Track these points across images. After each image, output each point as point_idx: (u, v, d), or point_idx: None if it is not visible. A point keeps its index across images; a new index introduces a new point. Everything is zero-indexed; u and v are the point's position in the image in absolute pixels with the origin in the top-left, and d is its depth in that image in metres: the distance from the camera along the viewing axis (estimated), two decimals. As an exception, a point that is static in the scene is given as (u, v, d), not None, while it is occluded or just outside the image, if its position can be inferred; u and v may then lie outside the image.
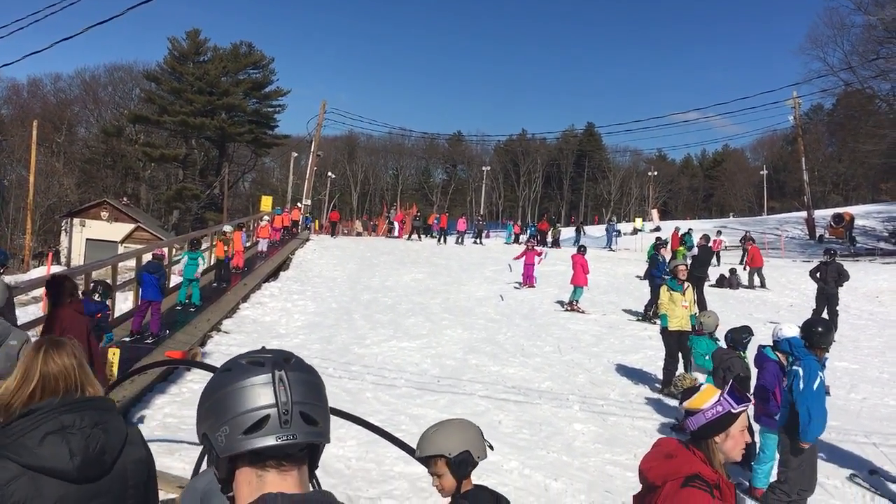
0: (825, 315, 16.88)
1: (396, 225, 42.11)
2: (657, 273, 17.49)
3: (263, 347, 1.60)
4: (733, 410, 2.83)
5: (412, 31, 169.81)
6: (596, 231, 56.89)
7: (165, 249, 17.17)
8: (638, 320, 17.25)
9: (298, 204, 43.78)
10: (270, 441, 1.35)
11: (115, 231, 50.52)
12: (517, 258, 22.12)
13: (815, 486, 6.54)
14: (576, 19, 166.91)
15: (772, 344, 7.42)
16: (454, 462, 3.03)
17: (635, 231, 50.95)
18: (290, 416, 1.36)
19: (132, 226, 51.76)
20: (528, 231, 44.17)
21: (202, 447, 1.54)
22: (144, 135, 70.77)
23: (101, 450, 2.17)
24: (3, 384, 2.35)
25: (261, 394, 1.37)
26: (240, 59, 69.27)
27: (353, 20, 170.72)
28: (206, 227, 41.01)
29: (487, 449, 3.15)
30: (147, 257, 14.86)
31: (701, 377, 8.90)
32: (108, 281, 13.21)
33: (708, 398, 2.88)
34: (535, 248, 22.75)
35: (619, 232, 40.50)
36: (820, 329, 6.44)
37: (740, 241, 29.47)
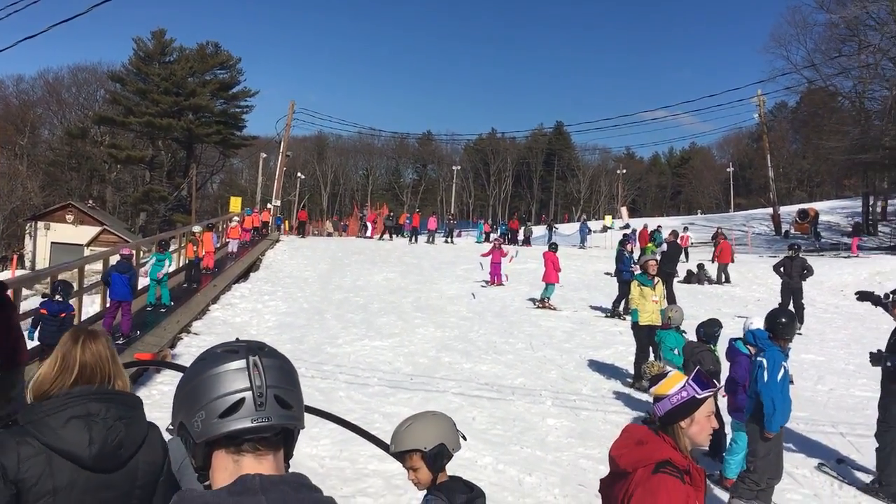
0: (790, 308, 17.16)
1: (369, 225, 41.88)
2: (623, 268, 17.67)
3: (237, 339, 1.60)
4: (698, 396, 2.85)
5: (380, 30, 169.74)
6: (567, 229, 57.29)
7: (130, 250, 16.91)
8: (606, 316, 17.36)
9: (268, 205, 43.49)
10: (246, 423, 1.36)
11: (80, 234, 49.82)
12: (485, 255, 22.14)
13: (782, 474, 6.64)
14: (545, 19, 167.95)
15: (742, 337, 7.54)
16: (429, 455, 3.02)
17: (605, 229, 51.33)
18: (265, 399, 1.38)
19: (98, 228, 51.07)
20: (499, 230, 44.34)
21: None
22: (110, 136, 69.73)
23: (119, 443, 2.20)
24: (38, 371, 2.37)
25: (236, 378, 1.39)
26: (206, 59, 68.49)
27: (321, 20, 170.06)
28: (174, 229, 40.63)
29: (461, 440, 3.15)
30: (115, 258, 14.66)
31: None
32: (75, 284, 13.05)
33: (674, 384, 2.91)
34: (502, 247, 22.73)
35: (590, 230, 40.77)
36: (783, 320, 6.52)
37: (712, 238, 29.77)
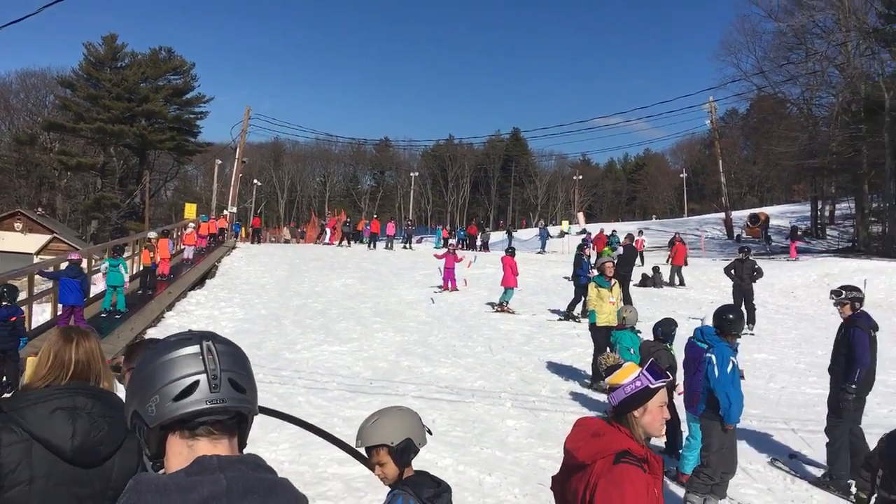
0: (742, 309, 17.51)
1: (328, 231, 41.45)
2: (581, 273, 17.85)
3: (190, 330, 1.60)
4: (651, 385, 2.89)
5: (336, 36, 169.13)
6: (525, 234, 57.73)
7: (79, 254, 16.61)
8: (560, 319, 17.50)
9: (225, 212, 42.98)
10: (201, 405, 1.37)
11: (29, 243, 48.66)
12: (439, 257, 22.08)
13: (736, 468, 6.77)
14: (500, 26, 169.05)
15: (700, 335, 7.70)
16: (396, 450, 3.02)
17: (562, 234, 51.82)
18: (220, 382, 1.39)
19: (48, 237, 49.96)
20: (457, 235, 44.46)
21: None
22: (60, 143, 68.40)
23: (100, 440, 2.21)
24: (27, 371, 2.46)
25: (190, 363, 1.40)
26: (159, 64, 67.62)
27: (276, 25, 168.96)
28: (126, 237, 39.95)
29: (427, 435, 3.15)
30: (64, 265, 14.44)
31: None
32: (24, 294, 12.80)
33: (628, 374, 2.96)
34: (457, 252, 22.49)
35: (549, 235, 41.13)
36: (730, 317, 6.67)
37: (669, 243, 30.18)
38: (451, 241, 42.97)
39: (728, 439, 6.54)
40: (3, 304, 9.78)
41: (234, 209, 44.32)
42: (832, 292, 8.04)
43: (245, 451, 1.51)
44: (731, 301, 18.62)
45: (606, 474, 2.81)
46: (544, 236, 40.07)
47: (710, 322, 7.53)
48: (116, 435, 2.27)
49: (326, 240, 40.41)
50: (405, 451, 3.02)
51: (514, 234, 48.60)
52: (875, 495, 2.95)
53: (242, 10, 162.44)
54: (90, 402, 2.25)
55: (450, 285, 21.20)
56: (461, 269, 21.65)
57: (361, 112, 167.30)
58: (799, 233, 40.54)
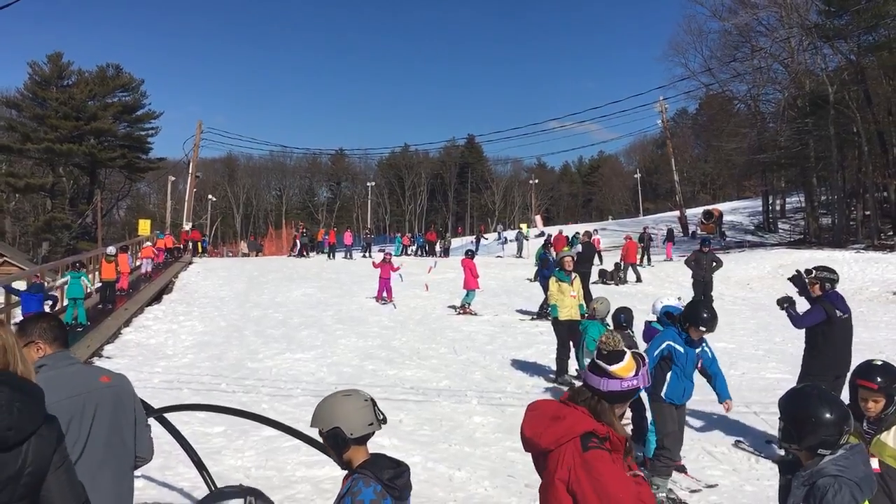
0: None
1: (298, 243, 39.97)
2: (548, 272, 17.87)
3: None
4: (642, 387, 2.95)
5: (286, 49, 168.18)
6: (490, 238, 58.20)
7: (40, 276, 16.37)
8: (532, 319, 17.54)
9: (185, 227, 42.27)
10: None
11: (-22, 267, 47.39)
12: (375, 266, 20.68)
13: (680, 449, 6.94)
14: (450, 33, 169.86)
15: (655, 317, 7.81)
16: (325, 437, 2.94)
17: (518, 238, 52.07)
18: None
19: (-3, 260, 48.69)
20: (416, 242, 44.39)
21: None
22: (7, 164, 66.86)
23: (7, 425, 2.18)
24: None
25: None
26: (107, 81, 66.42)
27: (225, 40, 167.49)
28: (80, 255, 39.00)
29: (375, 423, 2.97)
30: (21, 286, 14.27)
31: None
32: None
33: (630, 371, 2.90)
34: (392, 262, 20.83)
35: (526, 238, 41.24)
36: (706, 315, 6.56)
37: (639, 238, 30.71)
38: (410, 248, 43.07)
39: (676, 419, 6.70)
40: None
41: (189, 225, 43.71)
42: (804, 271, 8.19)
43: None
44: (689, 294, 18.97)
45: (581, 466, 2.78)
46: (520, 239, 40.16)
47: (663, 301, 7.76)
48: (28, 422, 2.25)
49: (295, 252, 38.95)
50: (333, 438, 2.91)
51: (483, 238, 49.41)
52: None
53: (191, 26, 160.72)
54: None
55: (384, 295, 20.03)
56: (392, 277, 20.86)
57: (315, 124, 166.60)
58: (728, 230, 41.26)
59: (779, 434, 3.05)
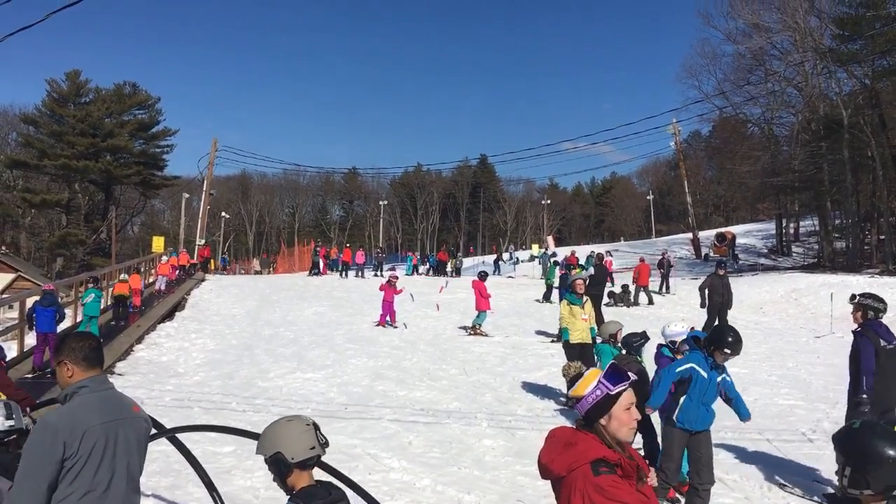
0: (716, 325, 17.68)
1: (322, 262, 39.70)
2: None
3: None
4: (611, 392, 2.90)
5: (303, 68, 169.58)
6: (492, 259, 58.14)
7: (53, 285, 16.51)
8: (553, 341, 17.27)
9: (202, 242, 42.46)
10: None
11: (-7, 281, 47.75)
12: (381, 289, 20.02)
13: (713, 478, 6.77)
14: (467, 53, 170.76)
15: (665, 340, 7.81)
16: (269, 463, 2.98)
17: (532, 258, 52.01)
18: None
19: (12, 275, 49.02)
20: (428, 262, 44.42)
21: None
22: (23, 180, 67.50)
23: None
24: None
25: None
26: (124, 99, 67.10)
27: (240, 58, 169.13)
28: (93, 272, 39.19)
29: (318, 447, 2.99)
30: (32, 300, 14.37)
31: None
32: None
33: (588, 384, 2.95)
34: (395, 284, 19.88)
35: (517, 259, 41.23)
36: (730, 339, 6.46)
37: (658, 264, 30.00)
38: (422, 267, 43.04)
39: (677, 446, 6.64)
40: None
41: (202, 241, 43.94)
42: (851, 297, 7.71)
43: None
44: (702, 317, 18.87)
45: (588, 491, 2.79)
46: (545, 259, 40.11)
47: (674, 328, 7.78)
48: None
49: (320, 269, 38.60)
50: (275, 464, 2.95)
51: (503, 258, 49.22)
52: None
53: (207, 44, 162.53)
54: None
55: (388, 320, 19.45)
56: (434, 293, 21.42)
57: (329, 142, 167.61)
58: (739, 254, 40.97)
59: (842, 480, 2.72)
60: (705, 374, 6.46)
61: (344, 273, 36.26)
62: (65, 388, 3.16)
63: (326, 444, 3.06)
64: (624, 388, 2.91)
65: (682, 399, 6.53)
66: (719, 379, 6.56)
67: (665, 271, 29.29)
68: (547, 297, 25.51)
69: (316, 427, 3.03)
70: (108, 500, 2.99)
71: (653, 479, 3.03)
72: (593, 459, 2.81)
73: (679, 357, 7.43)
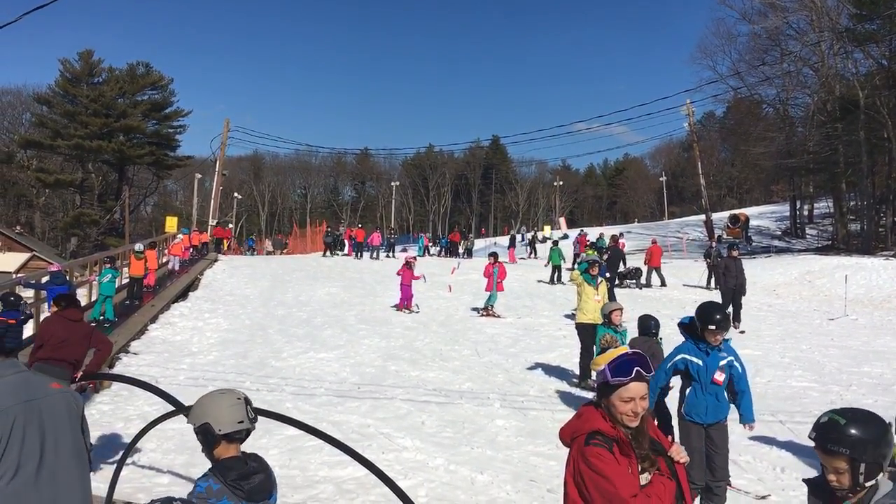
0: (730, 309, 17.62)
1: (346, 242, 39.67)
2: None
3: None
4: (609, 382, 2.94)
5: (315, 48, 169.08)
6: (505, 241, 57.97)
7: (59, 265, 16.67)
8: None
9: (229, 225, 42.58)
10: None
11: (8, 261, 48.11)
12: (398, 273, 19.46)
13: (728, 475, 6.51)
14: (480, 34, 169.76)
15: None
16: (197, 433, 3.01)
17: (544, 239, 51.92)
18: None
19: (27, 255, 49.50)
20: (440, 243, 44.42)
21: None
22: (37, 160, 67.82)
23: None
24: None
25: None
26: (137, 79, 67.17)
27: (254, 38, 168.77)
28: (107, 252, 39.41)
29: (246, 421, 3.01)
30: (45, 279, 14.49)
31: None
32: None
33: (603, 363, 3.02)
34: (413, 267, 19.53)
35: (587, 237, 41.09)
36: (716, 314, 6.11)
37: (704, 254, 28.00)
38: (433, 248, 43.05)
39: (696, 442, 6.17)
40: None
41: (214, 222, 44.07)
42: None
43: None
44: (716, 299, 18.79)
45: (577, 457, 2.93)
46: (527, 243, 40.09)
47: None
48: None
49: (345, 251, 38.38)
50: (202, 434, 2.98)
51: (516, 237, 48.42)
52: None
53: (220, 24, 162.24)
54: None
55: (405, 304, 19.06)
56: (446, 275, 21.45)
57: (341, 123, 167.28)
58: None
59: (857, 478, 2.60)
60: (700, 361, 6.09)
61: (358, 254, 36.25)
62: None
63: (255, 418, 3.09)
64: (622, 381, 2.92)
65: (687, 391, 6.22)
66: (723, 363, 6.12)
67: (713, 262, 24.10)
68: (557, 279, 25.55)
69: (247, 401, 3.07)
70: (42, 476, 2.93)
71: (680, 455, 3.01)
72: (590, 431, 2.91)
73: None
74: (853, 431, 2.59)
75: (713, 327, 6.00)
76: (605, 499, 2.82)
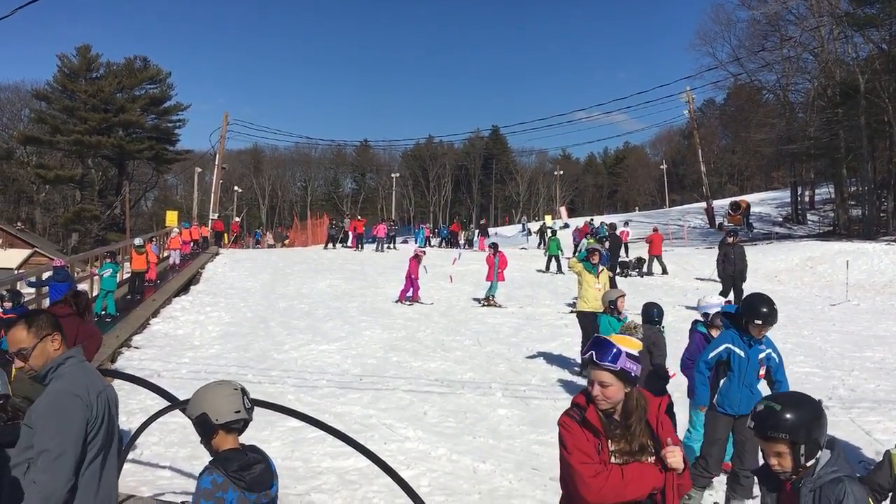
0: (731, 295, 17.62)
1: (350, 234, 39.30)
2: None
3: None
4: (584, 358, 3.08)
5: (313, 40, 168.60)
6: (508, 231, 57.91)
7: (65, 260, 16.65)
8: (572, 311, 17.24)
9: (213, 217, 42.55)
10: None
11: (9, 258, 48.11)
12: (410, 263, 19.15)
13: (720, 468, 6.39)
14: (477, 23, 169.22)
15: (699, 313, 7.64)
16: (195, 424, 3.04)
17: (554, 233, 51.81)
18: None
19: (28, 251, 49.49)
20: (441, 234, 44.41)
21: None
22: (37, 156, 67.77)
23: None
24: None
25: None
26: (135, 74, 67.07)
27: (252, 31, 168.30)
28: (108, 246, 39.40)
29: (243, 411, 3.04)
30: (47, 274, 14.50)
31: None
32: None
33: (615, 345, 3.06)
34: (419, 256, 19.36)
35: (530, 231, 41.17)
36: (763, 308, 5.93)
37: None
38: (433, 239, 43.04)
39: (721, 431, 6.14)
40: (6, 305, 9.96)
41: (215, 216, 44.06)
42: None
43: None
44: (716, 287, 18.80)
45: (559, 424, 3.10)
46: (528, 232, 40.09)
47: (710, 300, 7.57)
48: None
49: (349, 243, 37.87)
50: (200, 425, 3.01)
51: (526, 227, 47.90)
52: None
53: (218, 17, 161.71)
54: None
55: (410, 294, 18.82)
56: (447, 265, 21.46)
57: (340, 115, 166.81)
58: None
59: (799, 460, 2.75)
60: (742, 353, 5.98)
61: (360, 246, 36.16)
62: (48, 362, 3.13)
63: (252, 408, 3.12)
64: (592, 366, 2.98)
65: (722, 381, 6.11)
66: (762, 356, 6.03)
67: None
68: (555, 268, 25.61)
69: (244, 392, 3.10)
70: (109, 460, 3.14)
71: (673, 458, 2.94)
72: (572, 403, 3.07)
73: (713, 332, 7.06)
74: (789, 416, 2.75)
75: (759, 322, 5.87)
76: (561, 465, 3.03)
